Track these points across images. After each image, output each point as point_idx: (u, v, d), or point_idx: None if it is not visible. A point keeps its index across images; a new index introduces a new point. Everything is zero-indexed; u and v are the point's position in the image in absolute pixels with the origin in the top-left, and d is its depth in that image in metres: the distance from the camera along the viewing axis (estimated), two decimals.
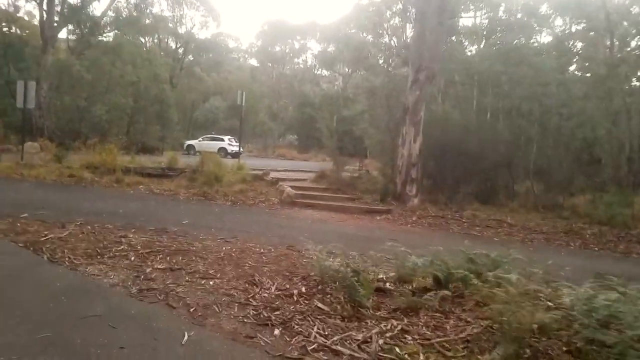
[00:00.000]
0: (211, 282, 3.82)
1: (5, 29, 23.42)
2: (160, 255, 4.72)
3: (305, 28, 47.10)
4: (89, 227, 5.81)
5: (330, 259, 3.96)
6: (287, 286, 3.73)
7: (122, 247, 4.90)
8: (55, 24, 19.95)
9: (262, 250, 5.31)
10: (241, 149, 28.79)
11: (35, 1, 20.64)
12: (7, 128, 19.88)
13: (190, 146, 29.24)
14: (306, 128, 40.09)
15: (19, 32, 24.48)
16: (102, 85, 20.17)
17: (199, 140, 29.66)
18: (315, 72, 49.83)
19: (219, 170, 12.21)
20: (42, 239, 4.91)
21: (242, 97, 16.10)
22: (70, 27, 21.91)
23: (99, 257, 4.46)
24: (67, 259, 4.28)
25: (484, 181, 11.63)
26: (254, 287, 3.73)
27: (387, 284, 3.86)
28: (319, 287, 3.70)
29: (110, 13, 23.71)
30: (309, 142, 40.03)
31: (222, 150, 28.85)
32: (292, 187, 11.37)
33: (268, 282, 3.85)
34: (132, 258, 4.53)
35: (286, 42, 48.17)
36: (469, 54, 21.17)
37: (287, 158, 33.16)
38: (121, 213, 7.25)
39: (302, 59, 51.19)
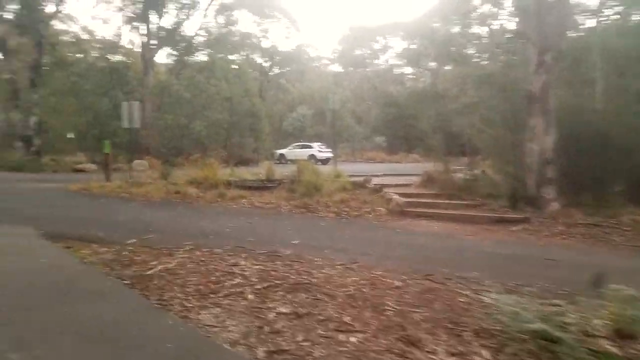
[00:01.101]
0: (353, 339, 2.91)
1: (110, 57, 25.31)
2: (280, 292, 3.94)
3: (386, 28, 45.76)
4: (198, 253, 5.27)
5: (509, 299, 2.87)
6: (461, 349, 2.70)
7: (237, 280, 4.22)
8: (154, 47, 20.94)
9: (396, 283, 4.33)
10: (331, 155, 28.34)
11: (136, 28, 21.97)
12: (117, 148, 21.27)
13: (282, 155, 29.42)
14: (393, 129, 38.63)
15: (123, 58, 26.37)
16: (199, 103, 20.78)
17: (289, 149, 29.76)
18: (399, 71, 48.19)
19: (317, 179, 11.50)
20: (150, 271, 4.39)
21: (333, 101, 15.23)
22: (168, 49, 22.96)
23: (212, 296, 3.80)
24: (177, 300, 3.66)
25: (636, 179, 9.56)
26: (413, 348, 2.75)
27: (606, 342, 2.66)
28: (509, 351, 2.62)
29: (201, 32, 24.52)
30: (396, 143, 38.54)
31: (312, 157, 28.54)
32: (398, 194, 10.30)
33: (429, 340, 2.85)
34: (250, 296, 3.80)
35: (367, 44, 47.21)
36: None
37: (377, 161, 32.04)
38: (228, 233, 6.73)
39: (383, 59, 49.84)
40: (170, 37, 20.50)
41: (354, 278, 4.52)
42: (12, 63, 19.95)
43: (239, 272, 4.52)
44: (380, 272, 4.79)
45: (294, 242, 6.21)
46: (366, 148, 40.73)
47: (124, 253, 5.15)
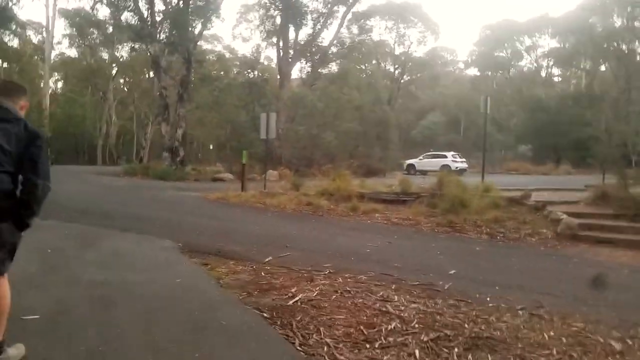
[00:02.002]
0: None
1: (249, 73, 26.73)
2: (455, 348, 2.94)
3: (532, 25, 41.60)
4: (340, 279, 4.50)
5: None
6: None
7: (393, 323, 3.31)
8: (290, 60, 21.43)
9: (613, 344, 3.06)
10: (466, 165, 26.15)
11: (272, 44, 22.80)
12: (251, 158, 22.17)
13: (411, 165, 28.00)
14: (540, 136, 34.54)
15: (260, 74, 27.71)
16: (331, 113, 20.66)
17: (420, 159, 28.16)
18: (547, 72, 43.40)
19: (463, 193, 10.14)
20: (290, 302, 3.71)
21: (487, 103, 13.64)
22: (303, 61, 23.39)
23: (367, 345, 2.95)
24: (325, 348, 2.87)
25: None
26: None
27: None
28: None
29: (335, 43, 24.56)
30: (543, 152, 34.43)
31: (445, 167, 26.63)
32: (567, 213, 8.50)
33: None
34: (416, 352, 2.86)
35: (509, 44, 43.35)
36: None
37: (520, 172, 28.75)
38: (368, 255, 5.88)
39: (528, 60, 45.38)
40: (306, 49, 20.84)
41: (550, 333, 3.31)
42: (164, 80, 21.97)
43: (394, 311, 3.60)
44: (581, 324, 3.51)
45: (450, 272, 5.12)
46: (508, 158, 37.23)
47: (261, 274, 4.60)
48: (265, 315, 3.40)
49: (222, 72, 34.06)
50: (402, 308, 3.70)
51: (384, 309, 3.63)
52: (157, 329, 3.02)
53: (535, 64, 44.21)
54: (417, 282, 4.54)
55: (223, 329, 3.08)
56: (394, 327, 3.26)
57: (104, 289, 3.72)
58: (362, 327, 3.22)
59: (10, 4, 22.82)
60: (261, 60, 30.42)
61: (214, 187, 16.00)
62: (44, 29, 33.14)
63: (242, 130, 26.70)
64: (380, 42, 35.91)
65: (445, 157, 27.05)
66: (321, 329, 3.17)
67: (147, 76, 39.06)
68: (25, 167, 2.30)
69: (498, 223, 8.43)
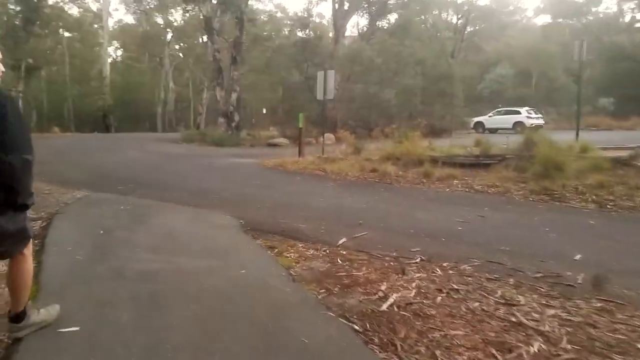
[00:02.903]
0: None
1: (301, 32, 25.47)
2: None
3: None
4: (439, 270, 3.59)
5: None
6: None
7: (535, 344, 2.38)
8: (345, 12, 19.97)
9: None
10: (542, 122, 23.88)
11: None
12: (306, 121, 21.30)
13: (479, 123, 26.04)
14: (622, 88, 30.96)
15: (312, 32, 26.37)
16: (390, 69, 19.17)
17: (489, 116, 26.03)
18: (630, 17, 38.57)
19: (557, 154, 8.74)
20: (384, 305, 2.86)
21: (582, 49, 11.80)
22: (359, 13, 21.79)
23: None
24: None
25: None
26: None
27: None
28: None
29: None
30: (626, 106, 30.89)
31: (519, 124, 24.51)
32: None
33: None
34: None
35: None
36: None
37: (601, 128, 25.98)
38: (461, 234, 4.90)
39: (606, 5, 40.47)
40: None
41: None
42: (217, 42, 21.32)
43: (529, 322, 2.66)
44: None
45: (574, 257, 4.06)
46: (585, 112, 33.75)
47: (337, 261, 3.78)
48: (356, 327, 2.58)
49: (272, 34, 32.98)
50: (537, 316, 2.75)
51: (513, 319, 2.70)
52: (216, 346, 2.27)
53: (615, 9, 39.32)
54: (539, 274, 3.55)
55: (304, 350, 2.29)
56: (538, 351, 2.33)
57: (154, 285, 3.05)
58: (493, 351, 2.32)
59: None
60: (313, 18, 29.05)
61: (269, 153, 15.41)
62: None
63: (295, 92, 25.78)
64: None
65: (519, 112, 24.74)
66: (437, 352, 2.30)
67: (200, 40, 38.76)
68: None
69: (604, 189, 7.11)
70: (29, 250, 2.28)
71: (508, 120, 24.48)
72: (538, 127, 22.82)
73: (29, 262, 2.28)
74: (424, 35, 21.29)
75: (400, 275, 3.44)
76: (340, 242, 4.39)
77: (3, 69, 2.20)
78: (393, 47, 18.42)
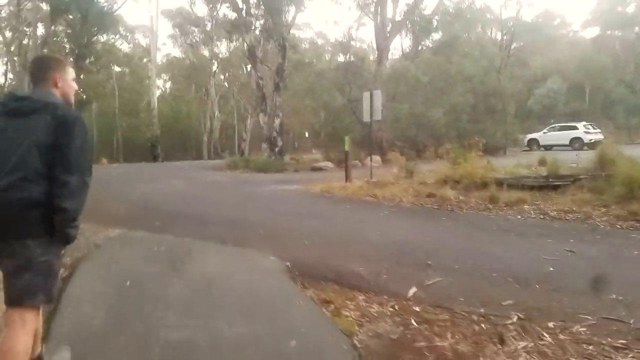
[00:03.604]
0: None
1: (341, 58, 25.19)
2: None
3: None
4: (546, 336, 2.73)
5: None
6: None
7: None
8: (388, 33, 19.43)
9: None
10: (602, 137, 22.08)
11: (369, 16, 20.93)
12: (351, 144, 20.71)
13: (533, 140, 24.64)
14: None
15: (352, 58, 26.01)
16: (437, 87, 18.30)
17: (544, 132, 24.57)
18: None
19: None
20: None
21: None
22: (403, 33, 21.23)
23: None
24: None
25: None
26: None
27: None
28: None
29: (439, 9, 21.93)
30: None
31: (577, 140, 22.90)
32: None
33: None
34: None
35: None
36: None
37: None
38: (554, 276, 3.97)
39: None
40: (406, 19, 18.71)
41: None
42: (260, 70, 21.31)
43: None
44: None
45: None
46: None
47: (411, 323, 2.99)
48: None
49: (314, 60, 33.01)
50: None
51: None
52: None
53: None
54: None
55: None
56: None
57: None
58: None
59: (115, 7, 23.67)
60: (354, 42, 28.82)
61: (314, 178, 14.79)
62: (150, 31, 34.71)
63: (337, 115, 25.32)
64: (484, 7, 32.34)
65: (576, 128, 23.16)
66: None
67: (244, 70, 39.50)
68: (55, 162, 1.87)
69: None
70: (34, 322, 1.92)
71: (565, 136, 23.12)
72: (597, 142, 21.24)
73: (25, 338, 1.85)
74: (470, 51, 20.32)
75: (500, 346, 2.60)
76: (411, 292, 3.59)
77: (76, 87, 2.20)
78: (439, 65, 17.59)
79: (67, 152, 1.86)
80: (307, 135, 41.68)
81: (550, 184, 8.70)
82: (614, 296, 3.40)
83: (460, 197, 8.56)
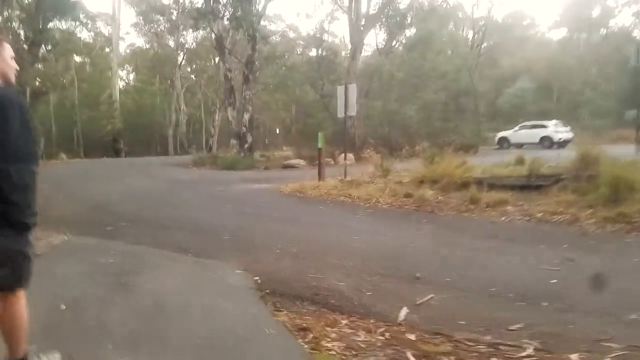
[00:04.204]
0: None
1: (316, 50, 24.54)
2: None
3: None
4: None
5: None
6: None
7: None
8: (363, 27, 18.95)
9: None
10: (571, 135, 22.42)
11: (343, 10, 20.39)
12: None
13: (503, 139, 24.79)
14: None
15: (325, 52, 25.42)
16: (411, 83, 17.96)
17: (514, 131, 24.76)
18: None
19: (630, 172, 7.33)
20: None
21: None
22: (378, 26, 20.79)
23: None
24: None
25: None
26: None
27: None
28: None
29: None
30: None
31: (546, 139, 23.15)
32: None
33: None
34: None
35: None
36: None
37: (630, 142, 24.46)
38: (559, 291, 3.52)
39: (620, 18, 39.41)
40: (382, 13, 18.30)
41: None
42: (228, 62, 20.45)
43: None
44: None
45: None
46: (607, 126, 32.23)
47: (408, 358, 2.45)
48: None
49: (286, 54, 32.29)
50: None
51: None
52: None
53: (630, 21, 38.13)
54: None
55: None
56: None
57: None
58: None
59: None
60: (326, 37, 28.21)
61: (286, 176, 14.18)
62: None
63: (310, 111, 24.76)
64: (457, 5, 32.44)
65: (546, 127, 23.37)
66: None
67: (212, 62, 38.30)
68: None
69: None
70: (23, 294, 2.02)
71: (535, 134, 23.32)
72: (566, 141, 21.53)
73: (23, 302, 2.01)
74: (444, 49, 20.12)
75: None
76: (402, 315, 3.05)
77: (17, 67, 2.06)
78: (414, 61, 17.25)
79: (6, 138, 1.72)
80: (277, 131, 40.91)
81: (532, 184, 8.36)
82: (634, 316, 2.97)
83: (439, 198, 8.15)
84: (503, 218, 6.68)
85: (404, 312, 3.09)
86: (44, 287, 3.57)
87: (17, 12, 20.14)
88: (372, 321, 2.96)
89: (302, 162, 18.59)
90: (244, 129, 20.45)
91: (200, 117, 41.15)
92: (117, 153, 29.91)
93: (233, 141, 21.06)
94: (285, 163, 18.71)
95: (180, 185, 12.10)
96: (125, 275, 3.79)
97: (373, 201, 8.30)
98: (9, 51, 1.98)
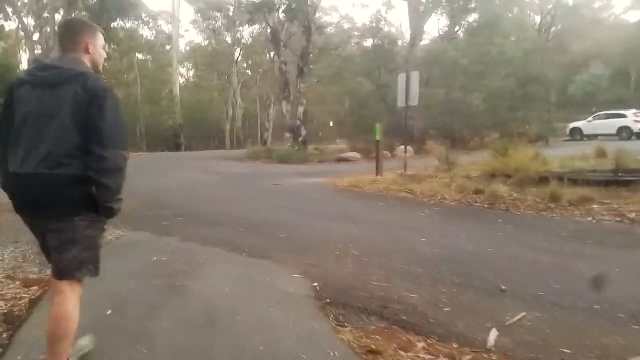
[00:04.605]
0: None
1: (369, 42, 23.82)
2: None
3: None
4: None
5: None
6: None
7: None
8: (423, 11, 18.04)
9: None
10: None
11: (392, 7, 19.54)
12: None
13: (576, 129, 23.02)
14: None
15: (382, 41, 24.61)
16: (476, 71, 16.85)
17: (588, 121, 22.89)
18: None
19: None
20: None
21: None
22: (439, 11, 19.74)
23: None
24: None
25: None
26: None
27: None
28: None
29: None
30: None
31: (625, 130, 21.19)
32: None
33: None
34: None
35: None
36: None
37: None
38: None
39: None
40: None
41: None
42: (283, 54, 20.27)
43: None
44: None
45: None
46: None
47: None
48: None
49: (340, 46, 31.73)
50: None
51: None
52: None
53: None
54: None
55: None
56: None
57: None
58: None
59: None
60: (382, 26, 27.34)
61: (341, 170, 13.77)
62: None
63: (365, 102, 24.11)
64: None
65: (624, 116, 21.39)
66: None
67: (267, 57, 38.54)
68: (89, 137, 1.80)
69: None
70: (80, 288, 1.98)
71: (611, 124, 21.41)
72: None
73: (78, 302, 1.95)
74: (510, 34, 18.75)
75: None
76: (491, 339, 2.52)
77: (105, 55, 2.15)
78: (480, 47, 16.12)
79: (102, 126, 1.80)
80: (331, 124, 40.50)
81: (619, 179, 7.42)
82: None
83: (514, 194, 7.39)
84: (589, 218, 5.88)
85: (493, 335, 2.56)
86: (93, 287, 3.38)
87: (84, 13, 21.06)
88: (454, 345, 2.47)
89: (356, 155, 18.08)
90: (298, 122, 20.23)
91: (256, 112, 41.62)
92: (177, 147, 30.83)
93: (287, 134, 20.92)
94: (340, 156, 18.27)
95: (235, 179, 12.01)
96: (176, 277, 3.53)
97: (438, 197, 7.67)
98: (101, 40, 2.07)
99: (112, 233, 5.03)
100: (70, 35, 1.98)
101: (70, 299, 1.91)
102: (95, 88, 1.82)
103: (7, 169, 1.86)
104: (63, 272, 1.90)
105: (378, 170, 10.76)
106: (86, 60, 1.98)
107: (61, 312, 1.88)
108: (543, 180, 7.62)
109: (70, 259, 1.87)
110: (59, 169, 1.78)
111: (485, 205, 6.98)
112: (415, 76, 10.14)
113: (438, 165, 10.29)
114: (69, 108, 1.79)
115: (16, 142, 1.83)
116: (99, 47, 2.05)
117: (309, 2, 18.86)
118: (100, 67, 2.09)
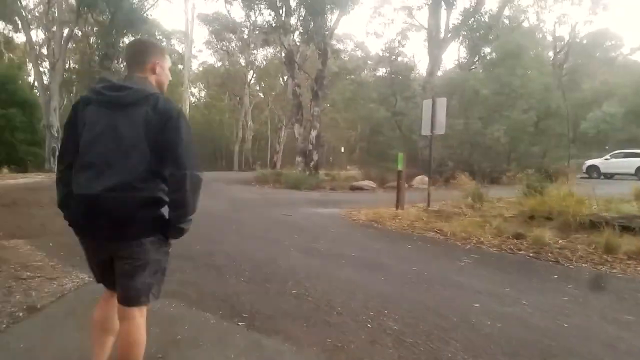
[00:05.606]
0: None
1: (383, 70, 23.26)
2: None
3: None
4: None
5: None
6: None
7: None
8: (442, 39, 17.40)
9: None
10: None
11: (415, 27, 18.98)
12: (391, 161, 18.67)
13: (593, 167, 22.33)
14: None
15: (397, 69, 24.01)
16: (496, 102, 16.05)
17: (605, 159, 22.23)
18: None
19: None
20: None
21: None
22: (459, 40, 19.13)
23: None
24: None
25: None
26: None
27: None
28: None
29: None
30: None
31: None
32: None
33: None
34: None
35: None
36: None
37: None
38: None
39: None
40: (463, 26, 16.71)
41: None
42: (297, 77, 19.66)
43: None
44: None
45: None
46: None
47: None
48: None
49: (355, 72, 31.32)
50: None
51: None
52: None
53: None
54: None
55: None
56: None
57: None
58: None
59: (147, 5, 22.61)
60: (399, 51, 26.85)
61: (356, 200, 12.88)
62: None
63: (379, 129, 23.42)
64: (535, 24, 30.03)
65: None
66: None
67: (281, 80, 38.31)
68: (165, 159, 1.79)
69: None
70: (146, 311, 1.97)
71: (630, 164, 20.78)
72: None
73: (145, 325, 1.94)
74: (531, 65, 18.07)
75: None
76: None
77: (170, 77, 2.15)
78: (500, 77, 15.35)
79: (177, 147, 1.78)
80: (342, 149, 39.83)
81: None
82: None
83: (560, 242, 6.38)
84: None
85: None
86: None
87: (96, 29, 20.67)
88: None
89: (371, 183, 17.19)
90: (310, 146, 19.44)
91: (266, 134, 41.12)
92: None
93: (298, 159, 20.12)
94: (354, 184, 17.36)
95: (240, 206, 11.08)
96: None
97: (474, 241, 6.67)
98: (168, 62, 2.09)
99: (73, 279, 4.10)
100: (139, 55, 1.97)
101: (140, 325, 1.91)
102: (167, 109, 1.82)
103: (70, 191, 1.82)
104: (134, 299, 1.88)
105: (399, 203, 9.82)
106: (152, 80, 1.96)
107: (133, 339, 1.87)
108: (592, 225, 6.63)
109: (140, 284, 1.86)
110: (131, 191, 1.76)
111: (531, 254, 5.97)
112: (442, 103, 9.30)
113: (466, 202, 9.31)
114: (141, 129, 1.76)
115: (83, 163, 1.79)
116: (165, 69, 2.05)
117: (326, 26, 18.31)
118: (165, 89, 2.08)
